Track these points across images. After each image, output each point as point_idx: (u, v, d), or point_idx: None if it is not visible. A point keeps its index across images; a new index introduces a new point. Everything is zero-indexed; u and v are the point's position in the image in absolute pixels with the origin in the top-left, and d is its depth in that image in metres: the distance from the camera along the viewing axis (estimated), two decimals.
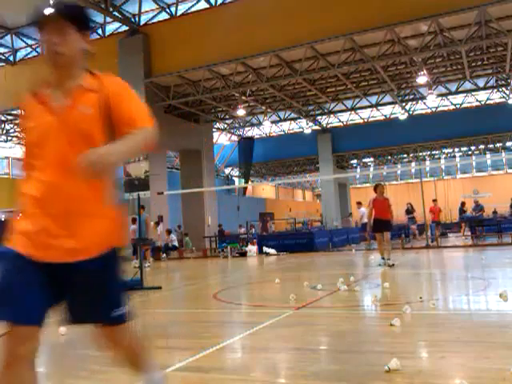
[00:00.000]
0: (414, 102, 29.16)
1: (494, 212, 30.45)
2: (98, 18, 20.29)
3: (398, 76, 21.25)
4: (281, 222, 36.54)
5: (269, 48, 17.58)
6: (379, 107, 28.75)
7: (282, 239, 19.40)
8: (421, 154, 38.60)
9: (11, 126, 26.74)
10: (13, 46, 22.35)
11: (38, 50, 22.51)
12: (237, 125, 33.25)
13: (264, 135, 38.32)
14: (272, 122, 31.91)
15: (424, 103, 30.27)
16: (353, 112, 31.04)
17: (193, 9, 19.51)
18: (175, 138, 23.30)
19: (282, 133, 37.43)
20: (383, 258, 10.11)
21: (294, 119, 31.79)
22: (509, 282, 6.98)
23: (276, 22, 17.49)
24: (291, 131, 37.02)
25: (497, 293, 5.37)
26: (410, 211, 20.85)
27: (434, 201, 19.90)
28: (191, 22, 19.13)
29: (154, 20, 20.26)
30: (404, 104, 28.72)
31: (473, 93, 27.71)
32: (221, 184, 40.49)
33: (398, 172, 52.01)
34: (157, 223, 19.48)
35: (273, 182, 54.57)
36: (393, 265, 9.85)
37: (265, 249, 18.05)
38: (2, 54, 22.96)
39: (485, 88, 25.24)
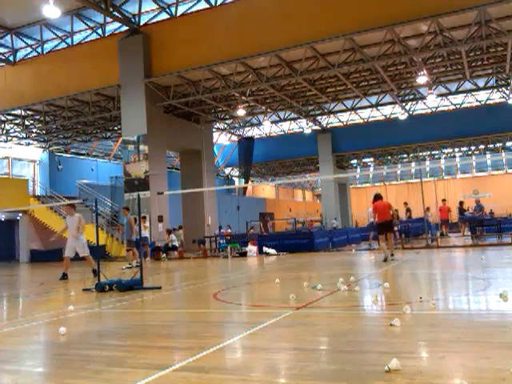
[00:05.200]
0: (414, 102, 29.16)
1: (491, 213, 30.41)
2: (98, 18, 20.30)
3: (397, 76, 21.24)
4: (280, 222, 36.57)
5: (269, 48, 17.57)
6: (379, 107, 28.75)
7: (282, 239, 19.39)
8: (421, 154, 38.61)
9: (11, 126, 26.72)
10: (13, 46, 22.34)
11: (38, 49, 22.52)
12: (237, 125, 33.24)
13: (264, 135, 38.32)
14: (272, 122, 31.91)
15: (424, 103, 30.28)
16: (353, 112, 31.04)
17: (193, 9, 19.50)
18: (175, 137, 23.29)
19: (282, 133, 37.43)
20: (392, 254, 11.64)
21: (294, 119, 31.78)
22: (509, 282, 6.97)
23: (276, 22, 17.49)
24: (291, 131, 37.02)
25: (497, 293, 5.38)
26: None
27: (444, 200, 20.80)
28: (191, 21, 19.13)
29: (154, 20, 20.26)
30: (404, 104, 28.71)
31: (473, 93, 27.71)
32: (221, 184, 40.48)
33: (398, 172, 52.02)
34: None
35: (273, 182, 54.56)
36: (393, 259, 11.39)
37: (265, 249, 18.05)
38: (2, 54, 22.95)
39: (485, 88, 25.22)
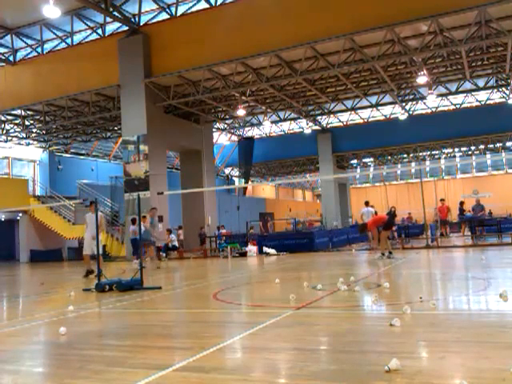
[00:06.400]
0: (414, 102, 29.14)
1: (489, 213, 30.34)
2: (98, 17, 20.29)
3: (397, 76, 21.23)
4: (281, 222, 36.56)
5: (269, 48, 17.57)
6: (379, 107, 28.73)
7: (282, 239, 19.40)
8: (421, 154, 38.61)
9: (11, 126, 26.72)
10: (13, 46, 22.32)
11: (38, 50, 22.51)
12: (237, 125, 33.23)
13: (264, 135, 38.32)
14: (272, 122, 31.89)
15: (424, 103, 30.26)
16: (353, 112, 31.03)
17: (193, 9, 19.50)
18: (175, 137, 23.28)
19: (282, 133, 37.43)
20: (390, 252, 12.42)
21: (294, 119, 31.77)
22: (509, 282, 6.97)
23: (276, 22, 17.48)
24: (291, 131, 37.01)
25: (497, 293, 5.38)
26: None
27: (442, 200, 20.34)
28: (191, 21, 19.12)
29: (154, 20, 20.25)
30: (404, 104, 28.70)
31: (473, 93, 27.69)
32: (221, 184, 40.48)
33: (398, 172, 52.04)
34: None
35: (273, 182, 54.57)
36: (390, 257, 12.22)
37: (265, 249, 18.05)
38: (2, 54, 22.94)
39: (485, 88, 25.21)
